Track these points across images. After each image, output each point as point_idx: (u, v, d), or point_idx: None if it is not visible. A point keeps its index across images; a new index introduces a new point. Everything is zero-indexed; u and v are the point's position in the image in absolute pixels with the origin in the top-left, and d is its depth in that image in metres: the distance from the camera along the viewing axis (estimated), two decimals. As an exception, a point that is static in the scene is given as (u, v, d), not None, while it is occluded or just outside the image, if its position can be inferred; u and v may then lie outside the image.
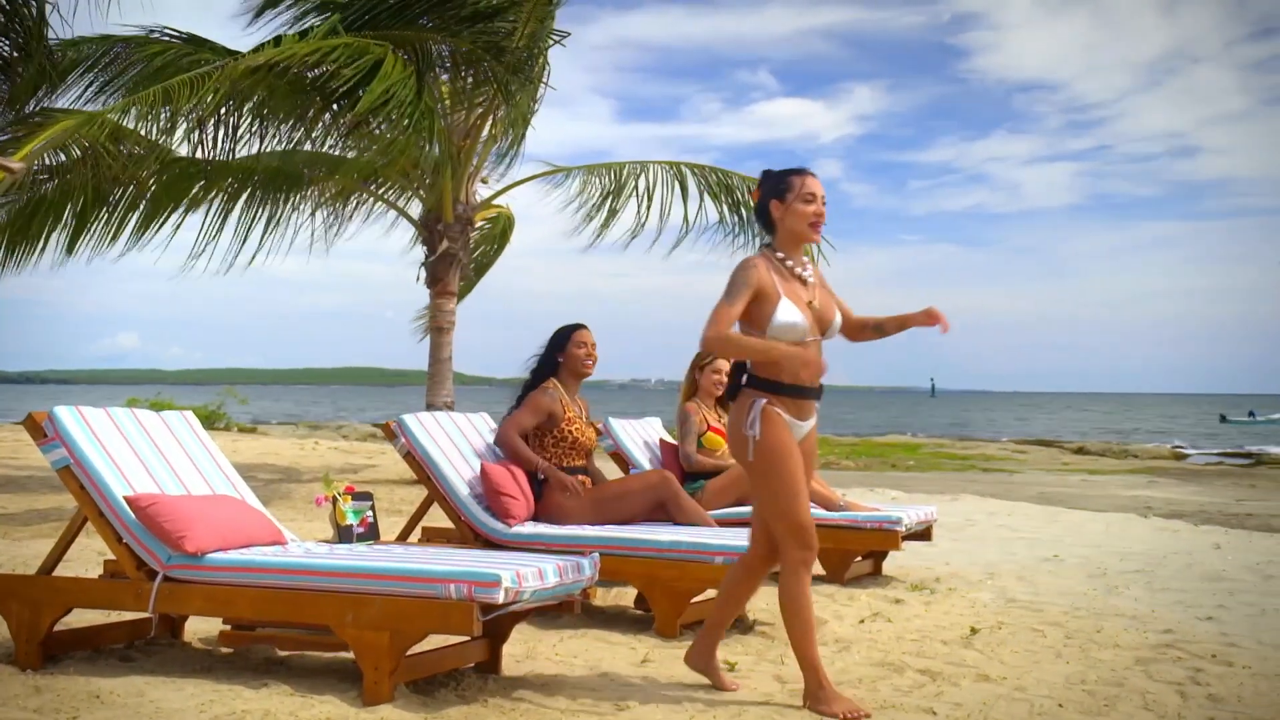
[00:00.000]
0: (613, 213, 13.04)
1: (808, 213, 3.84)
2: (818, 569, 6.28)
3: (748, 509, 6.34)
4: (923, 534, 6.68)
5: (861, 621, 5.26)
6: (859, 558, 6.41)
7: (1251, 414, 60.49)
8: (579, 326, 5.76)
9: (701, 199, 12.77)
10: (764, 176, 3.96)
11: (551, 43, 11.31)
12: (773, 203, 3.88)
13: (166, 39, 10.47)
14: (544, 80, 11.86)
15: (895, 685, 4.14)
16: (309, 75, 9.84)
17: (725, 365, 6.79)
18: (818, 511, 6.26)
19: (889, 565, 6.71)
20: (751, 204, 4.00)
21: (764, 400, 3.76)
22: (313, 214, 12.56)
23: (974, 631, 5.06)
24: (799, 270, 3.88)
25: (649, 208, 12.86)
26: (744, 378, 3.84)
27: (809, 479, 3.87)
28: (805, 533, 3.75)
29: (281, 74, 9.37)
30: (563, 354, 5.70)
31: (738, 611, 4.13)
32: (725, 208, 12.75)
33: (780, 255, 3.88)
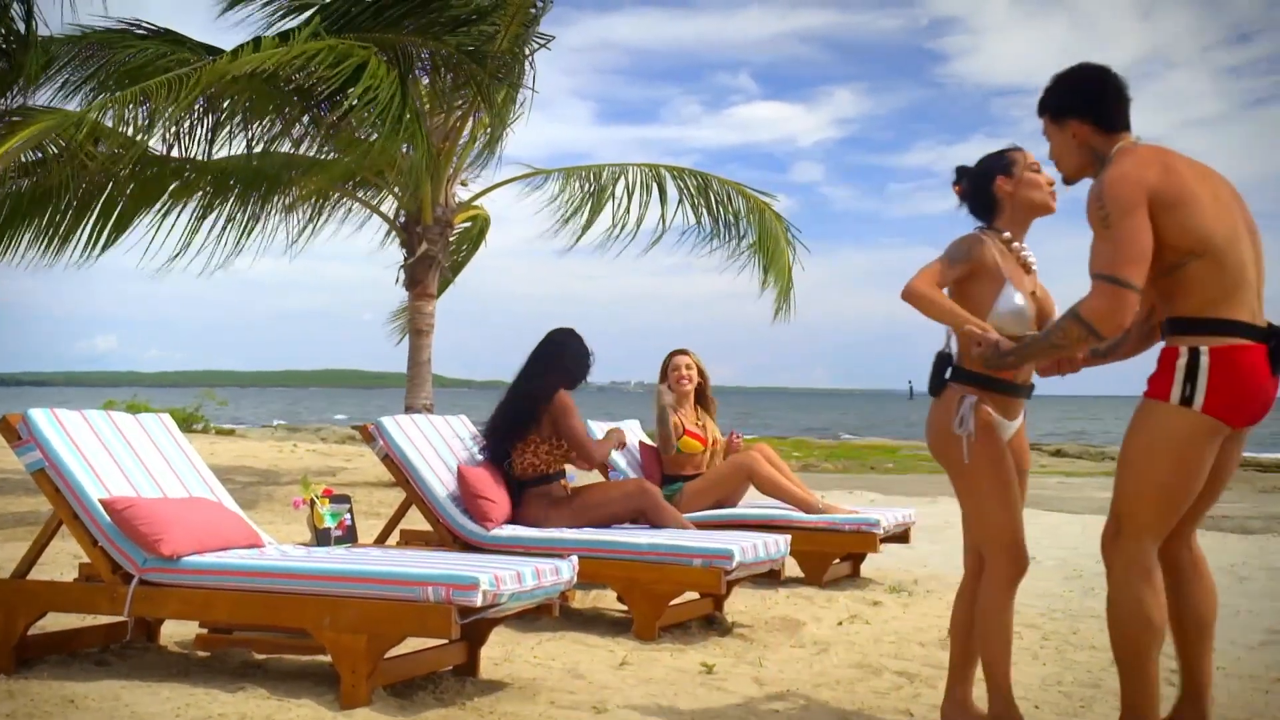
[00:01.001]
0: (592, 215, 13.04)
1: (1042, 180, 3.51)
2: (795, 570, 6.30)
3: (725, 511, 6.36)
4: (901, 536, 6.70)
5: (840, 623, 5.27)
6: (837, 560, 6.42)
7: None
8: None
9: (680, 201, 12.79)
10: (965, 170, 3.64)
11: (537, 46, 11.30)
12: (999, 180, 3.52)
13: (144, 35, 10.41)
14: (530, 85, 11.83)
15: (873, 687, 4.15)
16: (292, 79, 9.80)
17: (686, 360, 6.75)
18: (795, 514, 6.28)
19: (867, 567, 6.73)
20: (956, 195, 3.64)
21: (974, 397, 3.38)
22: (290, 214, 12.51)
23: (951, 633, 5.08)
24: (1025, 254, 3.53)
25: (628, 210, 12.87)
26: (948, 371, 3.44)
27: (1022, 487, 3.52)
28: (1018, 549, 3.46)
29: (266, 79, 9.33)
30: (582, 371, 5.73)
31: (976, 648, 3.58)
32: (704, 211, 12.77)
33: (1007, 236, 3.51)
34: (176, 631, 4.60)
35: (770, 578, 5.90)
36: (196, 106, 9.74)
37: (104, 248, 11.65)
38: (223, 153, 11.01)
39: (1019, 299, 3.39)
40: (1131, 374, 3.40)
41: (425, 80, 11.24)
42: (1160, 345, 3.20)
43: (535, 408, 5.53)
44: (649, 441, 6.94)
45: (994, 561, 3.45)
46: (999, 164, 3.55)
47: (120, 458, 4.31)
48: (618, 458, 6.80)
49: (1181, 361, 3.08)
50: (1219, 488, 3.30)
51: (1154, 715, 3.19)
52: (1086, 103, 3.26)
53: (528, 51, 11.21)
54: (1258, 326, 3.09)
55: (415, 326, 12.04)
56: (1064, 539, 8.78)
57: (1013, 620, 3.45)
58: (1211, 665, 3.36)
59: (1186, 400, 3.07)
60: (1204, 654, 3.33)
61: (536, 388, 5.58)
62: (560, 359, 5.67)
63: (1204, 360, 3.05)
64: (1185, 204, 3.06)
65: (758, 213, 12.70)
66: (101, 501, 4.04)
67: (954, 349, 3.45)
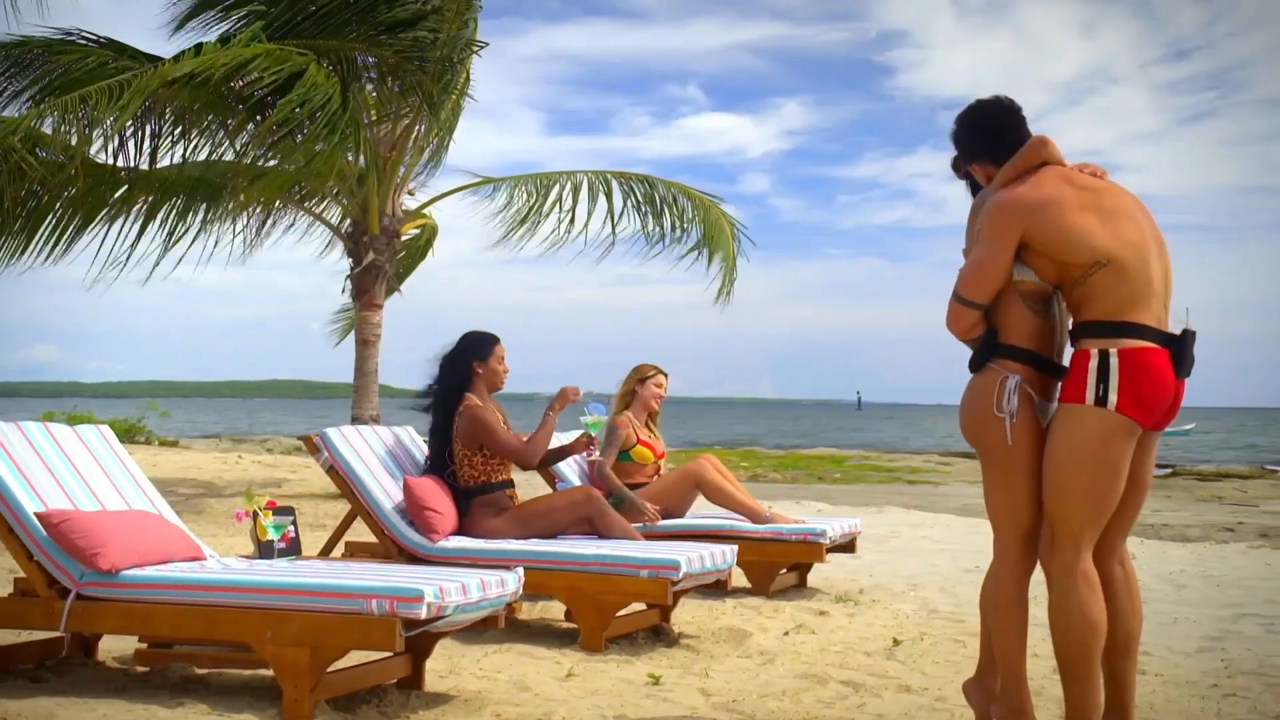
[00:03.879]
0: (540, 224, 13.02)
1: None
2: (742, 581, 6.32)
3: (671, 522, 6.36)
4: (847, 546, 6.74)
5: (786, 633, 5.29)
6: (784, 570, 6.45)
7: None
8: (496, 339, 5.66)
9: (625, 204, 12.79)
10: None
11: (471, 51, 11.27)
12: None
13: (85, 44, 10.26)
14: (466, 91, 11.80)
15: (819, 697, 4.17)
16: (232, 85, 9.70)
17: (666, 385, 6.82)
18: (741, 524, 6.30)
19: (814, 577, 6.76)
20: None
21: (1018, 377, 3.29)
22: (236, 224, 12.37)
23: (896, 643, 5.11)
24: None
25: (573, 218, 12.87)
26: (992, 348, 3.35)
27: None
28: (1030, 540, 3.36)
29: (203, 83, 9.23)
30: (483, 365, 5.61)
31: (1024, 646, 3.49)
32: (649, 214, 12.77)
33: None
34: (115, 647, 4.52)
35: (717, 588, 5.91)
36: (138, 113, 9.60)
37: (47, 258, 11.43)
38: (166, 161, 10.87)
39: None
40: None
41: (372, 90, 11.18)
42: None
43: (450, 422, 5.52)
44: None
45: (1011, 550, 3.39)
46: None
47: (58, 470, 4.23)
48: (566, 468, 6.76)
49: (1093, 364, 3.19)
50: (1140, 496, 3.36)
51: (1098, 718, 3.24)
52: (986, 147, 3.49)
53: (463, 56, 11.17)
54: (1162, 331, 3.21)
55: (362, 337, 11.95)
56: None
57: (1016, 605, 3.40)
58: (1135, 679, 3.42)
59: (1101, 400, 3.17)
60: (1129, 668, 3.39)
61: (445, 404, 5.53)
62: (462, 366, 5.59)
63: (1114, 361, 3.17)
64: (1067, 230, 3.23)
65: (704, 209, 12.75)
66: (37, 515, 3.97)
67: (997, 324, 3.37)
